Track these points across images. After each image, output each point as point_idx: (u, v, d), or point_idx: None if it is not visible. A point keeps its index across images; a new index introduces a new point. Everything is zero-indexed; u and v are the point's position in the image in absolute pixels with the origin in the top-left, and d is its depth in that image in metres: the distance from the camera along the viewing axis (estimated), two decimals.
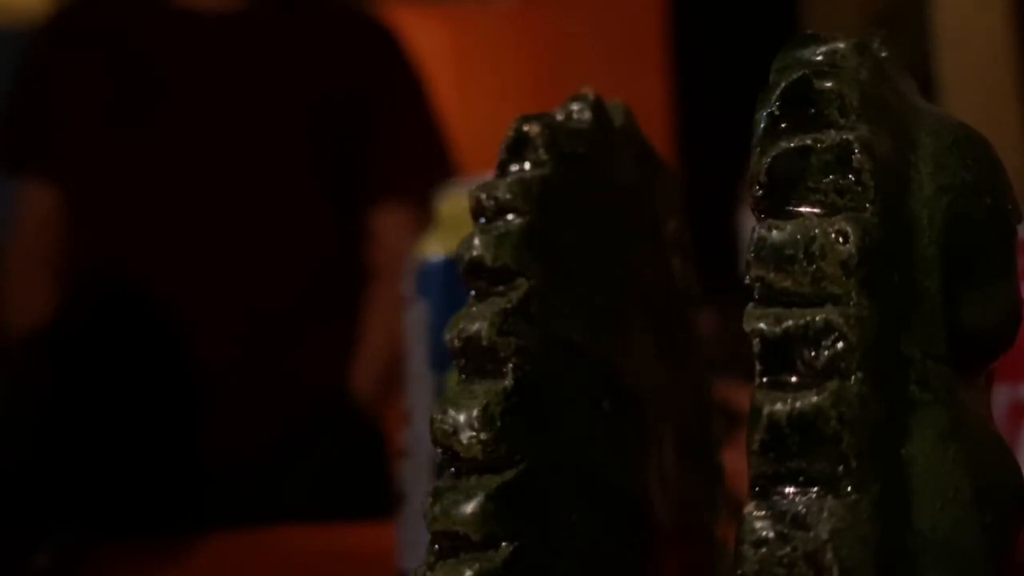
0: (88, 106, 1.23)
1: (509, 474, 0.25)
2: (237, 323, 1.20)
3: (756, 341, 0.22)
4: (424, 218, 1.28)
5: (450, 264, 0.50)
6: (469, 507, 0.24)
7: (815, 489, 0.22)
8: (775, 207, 0.23)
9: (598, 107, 0.30)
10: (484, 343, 0.25)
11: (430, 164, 1.28)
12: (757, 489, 0.22)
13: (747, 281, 0.23)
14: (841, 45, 0.25)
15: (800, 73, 0.24)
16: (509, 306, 0.26)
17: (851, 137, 0.23)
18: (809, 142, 0.23)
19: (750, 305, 0.23)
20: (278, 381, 1.21)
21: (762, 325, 0.22)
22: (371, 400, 1.26)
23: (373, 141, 1.26)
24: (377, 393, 1.26)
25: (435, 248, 0.52)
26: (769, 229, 0.23)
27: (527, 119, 0.28)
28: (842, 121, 0.23)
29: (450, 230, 0.52)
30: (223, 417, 1.20)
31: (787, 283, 0.23)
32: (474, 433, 0.25)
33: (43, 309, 1.22)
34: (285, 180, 1.24)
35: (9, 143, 1.29)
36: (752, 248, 0.23)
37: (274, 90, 1.23)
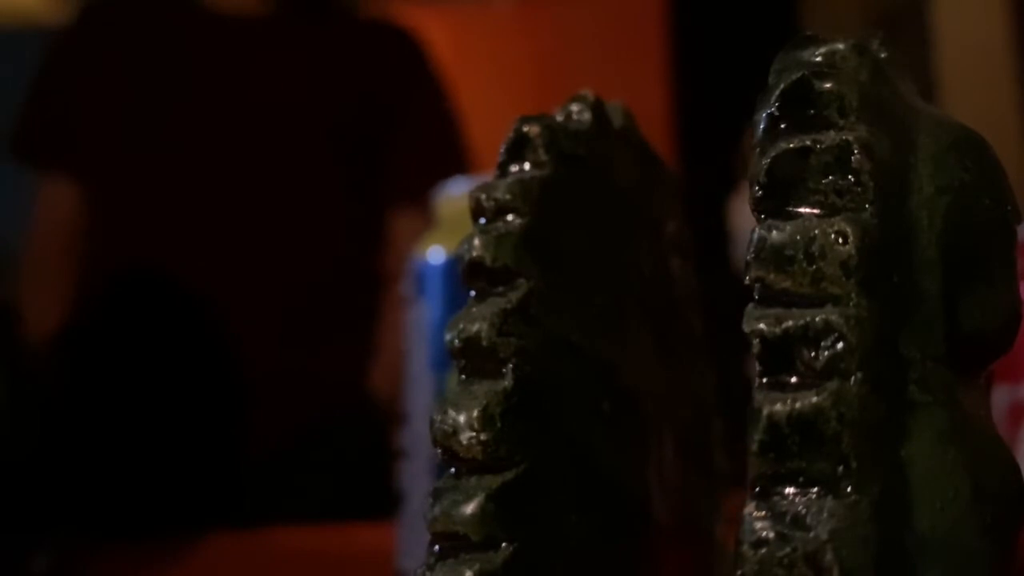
0: (110, 105, 1.23)
1: (509, 475, 0.25)
2: (255, 323, 1.20)
3: (756, 342, 0.23)
4: None
5: (450, 264, 0.50)
6: (469, 508, 0.24)
7: (815, 489, 0.22)
8: (775, 208, 0.23)
9: (598, 108, 0.30)
10: (484, 343, 0.25)
11: (448, 171, 1.26)
12: (757, 489, 0.22)
13: (747, 282, 0.23)
14: (840, 46, 0.25)
15: (799, 74, 0.24)
16: (509, 307, 0.26)
17: (850, 138, 0.23)
18: (808, 143, 0.23)
19: (750, 306, 0.23)
20: (296, 381, 1.21)
21: (762, 326, 0.22)
22: (391, 402, 1.24)
23: (392, 147, 1.26)
24: (395, 390, 1.24)
25: (435, 248, 0.52)
26: (769, 230, 0.23)
27: (527, 120, 0.28)
28: (841, 122, 0.23)
29: (450, 231, 0.52)
30: (239, 417, 1.20)
31: (787, 284, 0.23)
32: (474, 434, 0.25)
33: (60, 306, 1.22)
34: (305, 182, 1.24)
35: (31, 140, 1.29)
36: (752, 249, 0.23)
37: (296, 94, 1.24)
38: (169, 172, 1.21)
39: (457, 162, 1.29)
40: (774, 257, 0.23)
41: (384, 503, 1.24)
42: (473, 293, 0.27)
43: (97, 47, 1.26)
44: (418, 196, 1.19)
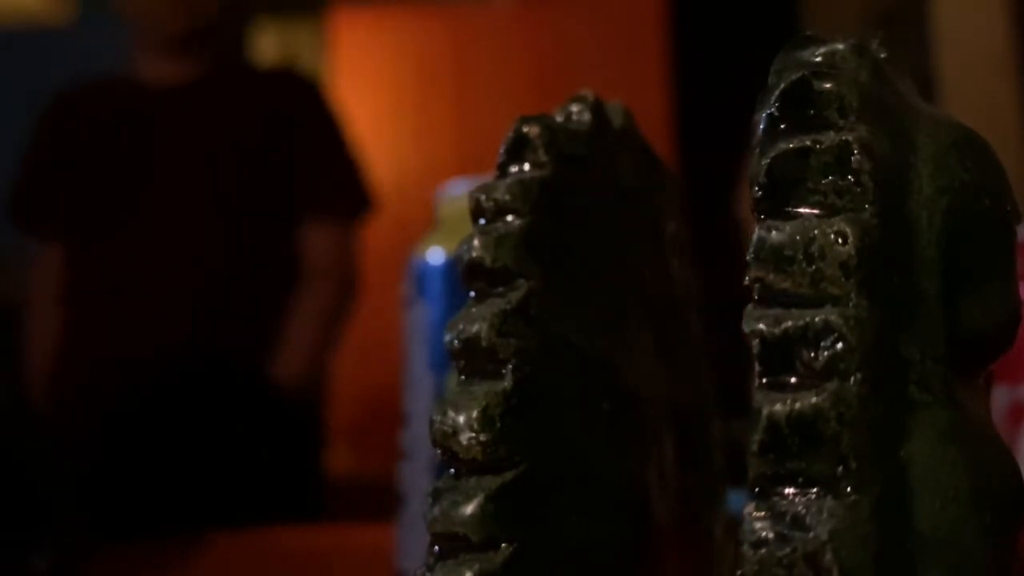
0: (83, 174, 1.55)
1: (509, 475, 0.25)
2: (196, 325, 1.49)
3: (756, 342, 0.23)
4: (346, 235, 1.60)
5: (450, 265, 0.50)
6: (469, 508, 0.24)
7: (815, 490, 0.22)
8: (774, 208, 0.23)
9: (598, 108, 0.30)
10: (483, 344, 0.25)
11: (347, 192, 1.61)
12: (757, 490, 0.22)
13: (746, 282, 0.23)
14: (840, 46, 0.25)
15: (799, 74, 0.24)
16: (508, 307, 0.26)
17: (850, 138, 0.23)
18: (808, 143, 0.23)
19: (749, 306, 0.23)
20: (223, 366, 1.50)
21: (761, 326, 0.22)
22: (294, 382, 1.53)
23: (299, 176, 1.57)
24: (300, 376, 1.54)
25: (435, 249, 0.52)
26: (768, 230, 0.23)
27: (527, 120, 0.28)
28: (841, 122, 0.23)
29: (450, 231, 0.52)
30: (173, 405, 1.47)
31: (786, 284, 0.23)
32: (474, 434, 0.25)
33: (55, 338, 1.55)
34: (236, 212, 1.53)
35: (25, 212, 1.63)
36: (752, 249, 0.23)
37: (224, 141, 1.54)
38: (133, 220, 1.51)
39: (354, 184, 1.62)
40: (774, 257, 0.23)
41: (301, 494, 1.52)
42: (473, 294, 0.27)
43: (69, 129, 1.59)
44: (322, 214, 1.63)
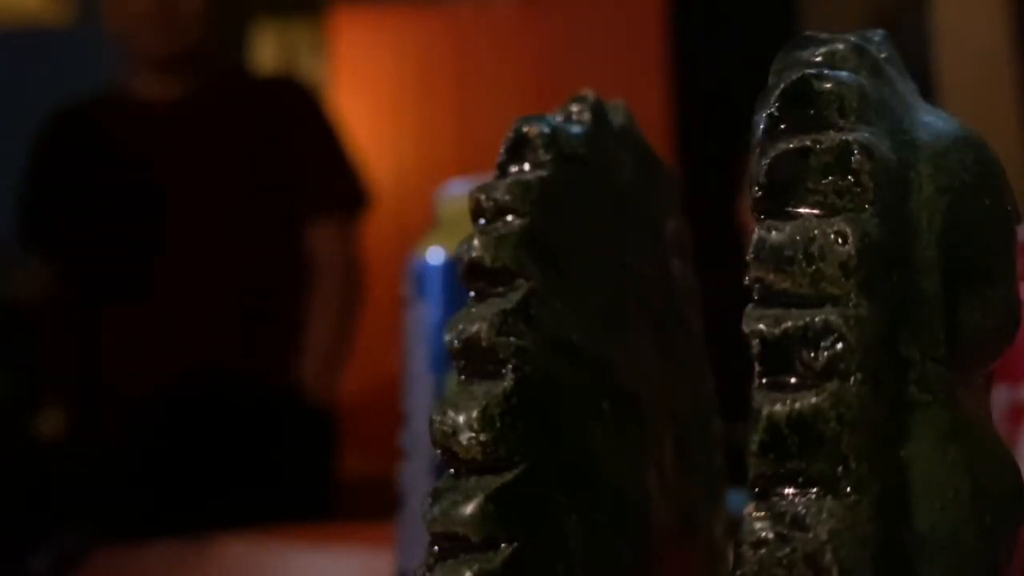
0: (90, 192, 1.60)
1: (508, 475, 0.25)
2: (211, 332, 1.54)
3: (756, 342, 0.23)
4: (348, 230, 1.64)
5: (450, 265, 0.50)
6: (468, 508, 0.24)
7: (814, 490, 0.22)
8: (774, 208, 0.23)
9: (598, 108, 0.30)
10: (483, 344, 0.25)
11: (345, 188, 1.67)
12: (757, 490, 0.22)
13: (746, 282, 0.23)
14: (840, 46, 0.25)
15: (799, 74, 0.24)
16: (508, 307, 0.26)
17: (850, 138, 0.23)
18: (808, 143, 0.23)
19: (749, 306, 0.23)
20: (245, 373, 1.55)
21: (761, 326, 0.22)
22: (319, 384, 1.57)
23: (302, 177, 1.63)
24: (324, 377, 1.58)
25: (435, 249, 0.52)
26: (768, 230, 0.23)
27: (527, 120, 0.28)
28: (841, 122, 0.23)
29: (450, 231, 0.52)
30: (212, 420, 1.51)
31: (786, 284, 0.23)
32: (473, 434, 0.25)
33: (69, 347, 1.61)
34: (242, 219, 1.59)
35: (29, 232, 1.68)
36: (751, 249, 0.23)
37: (223, 152, 1.60)
38: (141, 229, 1.58)
39: (353, 182, 1.67)
40: (773, 257, 0.23)
41: (322, 496, 1.55)
42: (472, 294, 0.27)
43: (69, 148, 1.64)
44: (327, 212, 1.64)
